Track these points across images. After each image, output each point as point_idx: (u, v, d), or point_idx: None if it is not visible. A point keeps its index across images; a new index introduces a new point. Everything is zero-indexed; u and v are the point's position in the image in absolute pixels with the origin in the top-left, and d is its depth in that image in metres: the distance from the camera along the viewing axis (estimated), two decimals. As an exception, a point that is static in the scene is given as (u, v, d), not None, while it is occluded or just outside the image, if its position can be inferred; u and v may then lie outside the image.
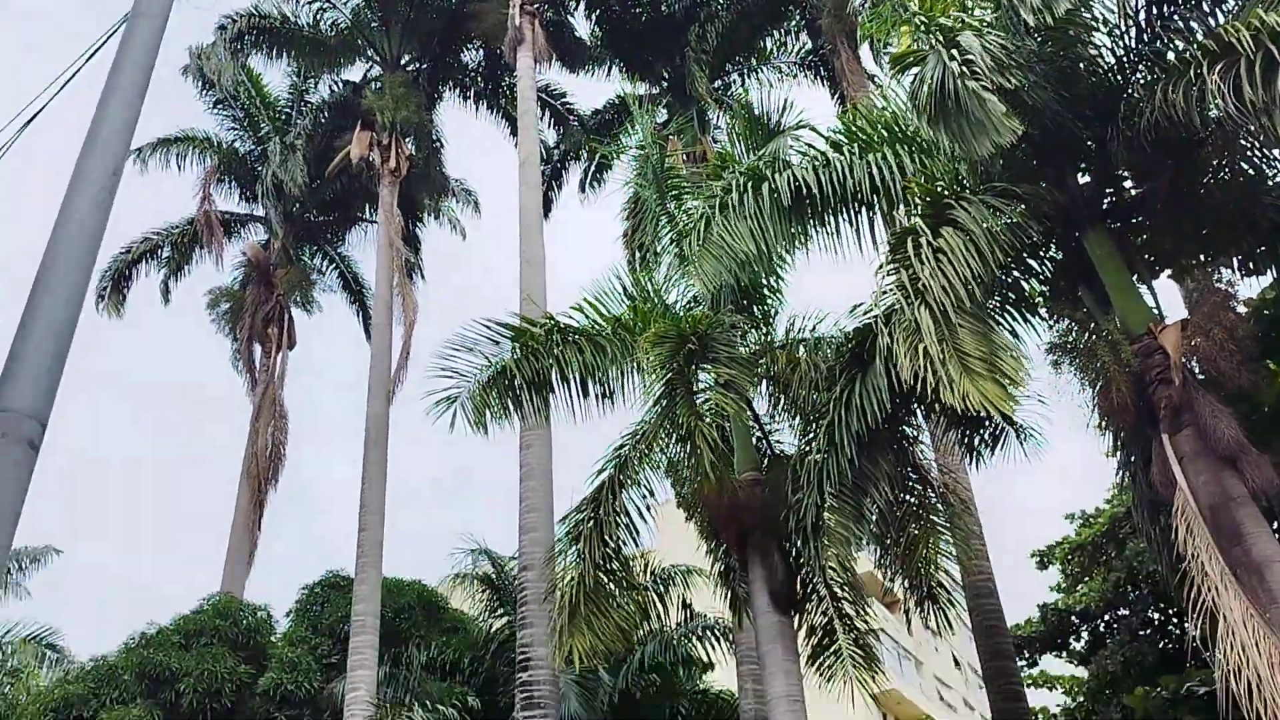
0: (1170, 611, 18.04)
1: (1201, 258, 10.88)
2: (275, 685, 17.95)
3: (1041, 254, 11.01)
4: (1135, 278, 10.35)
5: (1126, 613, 18.94)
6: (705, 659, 19.66)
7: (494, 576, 19.68)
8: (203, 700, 17.90)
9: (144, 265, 27.59)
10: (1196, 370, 9.61)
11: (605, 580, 13.21)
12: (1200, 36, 9.36)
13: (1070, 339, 10.60)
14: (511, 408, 12.79)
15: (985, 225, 9.72)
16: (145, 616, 19.70)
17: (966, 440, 12.28)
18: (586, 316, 12.91)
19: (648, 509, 13.53)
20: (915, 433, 12.35)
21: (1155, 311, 10.07)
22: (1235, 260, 10.76)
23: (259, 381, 26.08)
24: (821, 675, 13.48)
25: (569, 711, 16.52)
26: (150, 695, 18.38)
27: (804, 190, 10.77)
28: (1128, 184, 10.77)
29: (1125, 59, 9.98)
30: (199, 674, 18.01)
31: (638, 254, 15.96)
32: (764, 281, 13.35)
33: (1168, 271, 11.16)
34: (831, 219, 11.10)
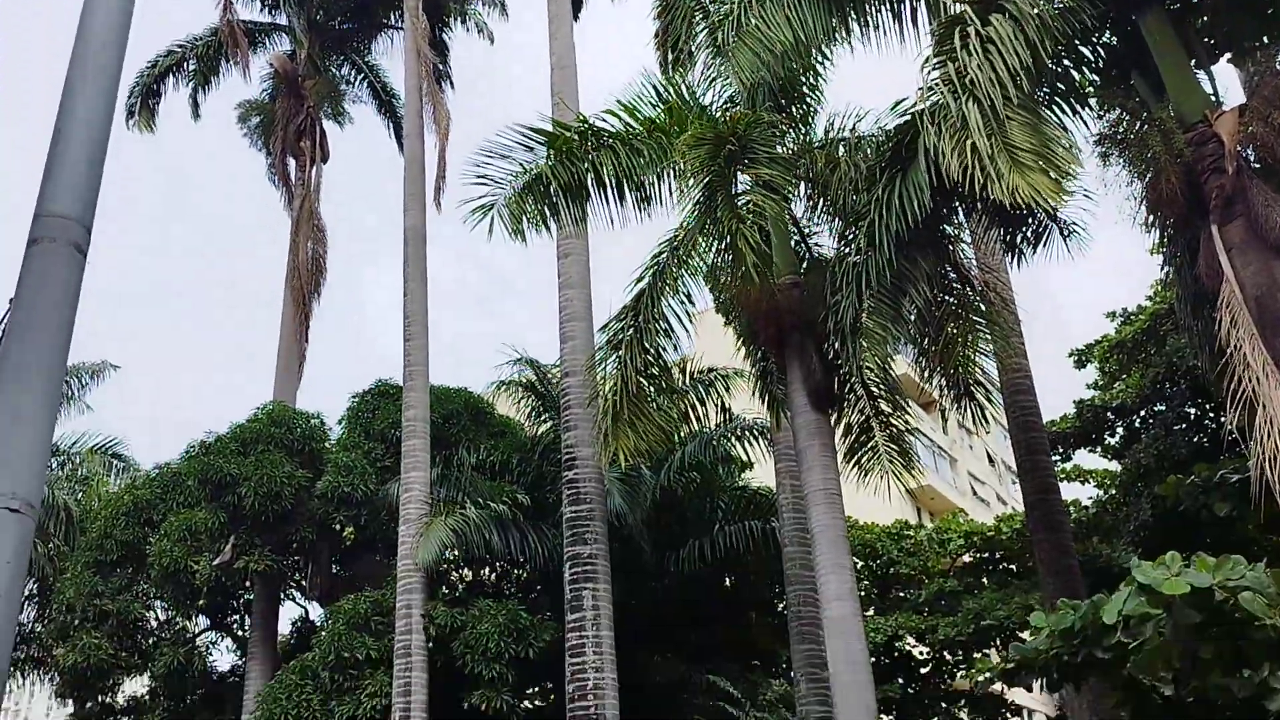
0: (1207, 406, 18.15)
1: (1264, 39, 10.35)
2: (333, 488, 18.76)
3: (1094, 40, 10.51)
4: (1193, 63, 9.90)
5: (1163, 408, 19.10)
6: (744, 458, 20.20)
7: (537, 383, 20.09)
8: (264, 503, 18.79)
9: (171, 79, 27.18)
10: (1251, 159, 9.30)
11: (646, 385, 13.48)
12: None
13: (1121, 129, 10.24)
14: (548, 214, 12.72)
15: (1036, 10, 9.26)
16: (194, 437, 20.36)
17: (1008, 238, 12.13)
18: (620, 120, 12.63)
19: (687, 315, 13.63)
20: (956, 231, 12.19)
21: (1212, 98, 9.67)
22: (1301, 42, 10.23)
23: (295, 195, 26.07)
24: (859, 470, 13.87)
25: (613, 506, 17.16)
26: (214, 499, 19.33)
27: (844, -25, 10.25)
28: (1191, -40, 10.16)
29: None
30: (258, 478, 18.84)
31: (670, 55, 15.44)
32: (802, 79, 12.92)
33: (1227, 55, 10.65)
34: (873, 7, 10.62)
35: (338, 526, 19.97)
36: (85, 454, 23.95)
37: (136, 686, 22.85)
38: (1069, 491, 20.82)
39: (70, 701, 22.03)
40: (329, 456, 19.85)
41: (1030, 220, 11.59)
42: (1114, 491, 20.52)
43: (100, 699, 21.32)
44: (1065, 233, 11.67)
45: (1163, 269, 11.30)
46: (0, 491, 3.17)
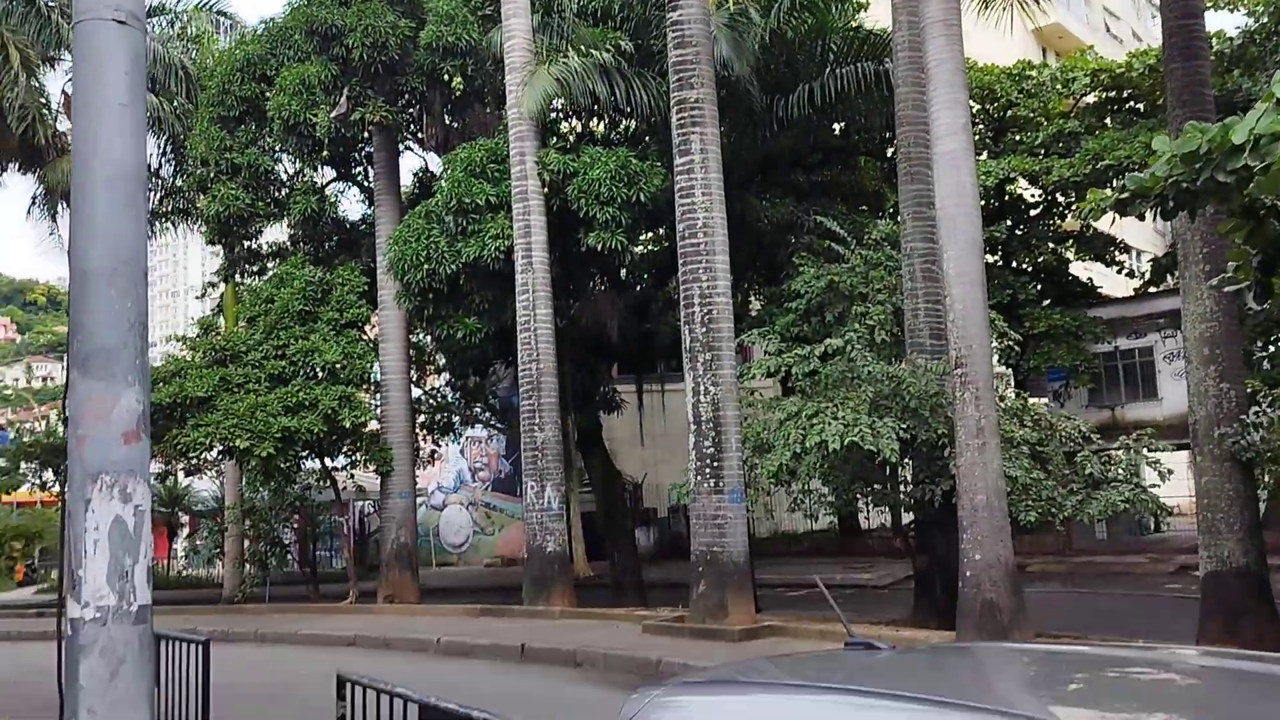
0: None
1: None
2: (436, 37, 18.55)
3: None
4: None
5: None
6: (859, -4, 19.05)
7: (637, -84, 18.73)
8: (371, 54, 18.81)
9: None
10: None
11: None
12: None
13: None
14: None
15: None
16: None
17: None
18: None
19: None
20: None
21: None
22: None
23: None
24: (980, 2, 13.02)
25: (720, 54, 16.62)
26: (322, 51, 19.40)
27: None
28: None
29: None
30: (363, 29, 18.72)
31: None
32: None
33: None
34: None
35: (446, 77, 20.01)
36: (192, 11, 23.88)
37: (278, 234, 24.58)
38: (1216, 22, 19.29)
39: (220, 248, 23.92)
40: (430, 5, 19.44)
41: None
42: (1265, 20, 18.90)
43: (246, 244, 23.09)
44: None
45: None
46: (105, 4, 3.19)
